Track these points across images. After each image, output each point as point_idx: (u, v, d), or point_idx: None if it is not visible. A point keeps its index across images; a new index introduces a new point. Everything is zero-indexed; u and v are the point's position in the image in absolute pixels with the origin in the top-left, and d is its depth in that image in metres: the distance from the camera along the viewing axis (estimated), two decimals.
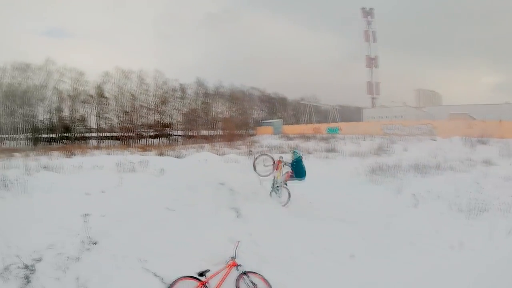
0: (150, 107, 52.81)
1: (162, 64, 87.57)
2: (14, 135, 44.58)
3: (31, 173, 10.20)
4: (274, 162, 9.69)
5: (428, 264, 6.16)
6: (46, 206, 7.07)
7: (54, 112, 48.20)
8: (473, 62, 75.63)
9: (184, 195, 8.21)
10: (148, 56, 78.34)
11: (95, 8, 79.39)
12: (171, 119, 54.28)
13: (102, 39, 77.38)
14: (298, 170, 9.39)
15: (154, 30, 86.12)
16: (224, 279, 5.13)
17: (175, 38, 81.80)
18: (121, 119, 50.38)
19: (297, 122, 57.28)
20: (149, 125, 51.82)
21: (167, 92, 53.92)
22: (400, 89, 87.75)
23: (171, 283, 4.92)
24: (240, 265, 5.33)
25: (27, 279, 4.88)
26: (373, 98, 55.96)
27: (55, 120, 47.92)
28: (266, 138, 36.90)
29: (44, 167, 11.82)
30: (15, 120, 45.11)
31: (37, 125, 46.62)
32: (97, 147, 35.14)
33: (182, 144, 40.94)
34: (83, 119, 49.89)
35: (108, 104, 50.85)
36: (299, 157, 9.50)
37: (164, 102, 53.42)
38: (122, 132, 49.22)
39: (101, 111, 50.46)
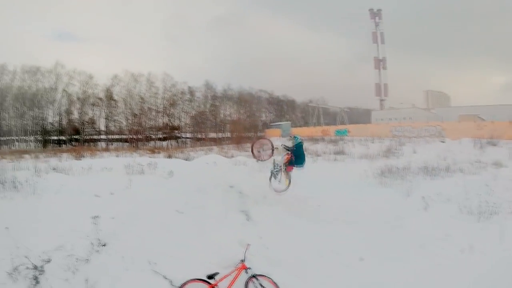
0: (158, 109, 53.18)
1: (170, 67, 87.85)
2: (24, 137, 45.13)
3: (41, 175, 10.24)
4: (273, 147, 9.66)
5: (438, 268, 6.09)
6: (55, 207, 7.09)
7: (63, 114, 48.77)
8: (481, 62, 75.14)
9: (193, 198, 8.18)
10: (157, 59, 78.82)
11: (104, 12, 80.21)
12: (180, 121, 54.59)
13: (111, 43, 78.14)
14: (298, 155, 9.27)
15: (163, 33, 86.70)
16: (234, 282, 5.12)
17: (184, 41, 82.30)
18: (130, 121, 50.77)
19: (306, 124, 57.33)
20: (158, 128, 52.16)
21: (175, 94, 54.27)
22: (409, 91, 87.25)
23: (180, 285, 4.92)
24: (249, 268, 5.31)
25: (36, 279, 4.89)
26: (381, 100, 55.76)
27: (64, 123, 48.48)
28: (275, 141, 36.76)
29: (54, 169, 11.89)
30: (25, 122, 45.68)
31: (46, 127, 47.16)
32: (106, 149, 35.47)
33: (191, 147, 41.16)
34: (92, 122, 50.38)
35: (117, 106, 51.31)
36: (299, 142, 9.37)
37: (172, 104, 53.71)
38: (131, 134, 49.57)
39: (110, 114, 50.92)
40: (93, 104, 50.26)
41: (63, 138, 47.44)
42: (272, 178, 9.42)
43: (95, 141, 48.75)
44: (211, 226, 6.86)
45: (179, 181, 10.02)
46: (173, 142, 51.30)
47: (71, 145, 44.85)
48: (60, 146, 44.17)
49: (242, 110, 57.46)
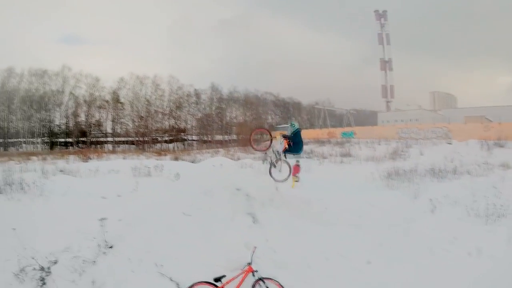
0: (165, 112, 53.43)
1: (177, 70, 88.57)
2: (31, 139, 45.50)
3: (48, 177, 10.32)
4: (271, 137, 9.68)
5: (446, 271, 6.05)
6: (62, 209, 7.12)
7: (70, 117, 49.17)
8: (488, 63, 74.97)
9: (200, 200, 8.14)
10: (163, 61, 79.40)
11: (111, 15, 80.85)
12: (186, 124, 54.81)
13: (118, 46, 78.85)
14: (296, 142, 9.18)
15: (169, 36, 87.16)
16: (240, 284, 5.10)
17: (190, 44, 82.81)
18: (136, 124, 51.04)
19: (312, 126, 57.24)
20: (164, 130, 52.38)
21: (181, 97, 54.51)
22: (415, 92, 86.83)
23: None
24: (256, 271, 5.28)
25: (43, 281, 4.92)
26: (387, 102, 55.57)
27: (71, 125, 48.87)
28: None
29: (61, 171, 12.00)
30: (32, 124, 46.08)
31: (53, 129, 47.58)
32: (113, 152, 35.66)
33: (197, 149, 41.21)
34: (99, 124, 50.71)
35: (124, 109, 51.63)
36: (297, 129, 9.32)
37: (179, 107, 53.94)
38: (137, 136, 49.83)
39: (116, 116, 51.21)
40: (99, 107, 50.63)
41: (70, 140, 47.84)
42: (272, 168, 9.36)
43: (101, 143, 49.10)
44: (217, 229, 6.84)
45: (186, 184, 9.99)
46: (180, 144, 51.49)
47: (78, 147, 45.15)
48: (67, 148, 44.46)
49: (248, 113, 57.59)
